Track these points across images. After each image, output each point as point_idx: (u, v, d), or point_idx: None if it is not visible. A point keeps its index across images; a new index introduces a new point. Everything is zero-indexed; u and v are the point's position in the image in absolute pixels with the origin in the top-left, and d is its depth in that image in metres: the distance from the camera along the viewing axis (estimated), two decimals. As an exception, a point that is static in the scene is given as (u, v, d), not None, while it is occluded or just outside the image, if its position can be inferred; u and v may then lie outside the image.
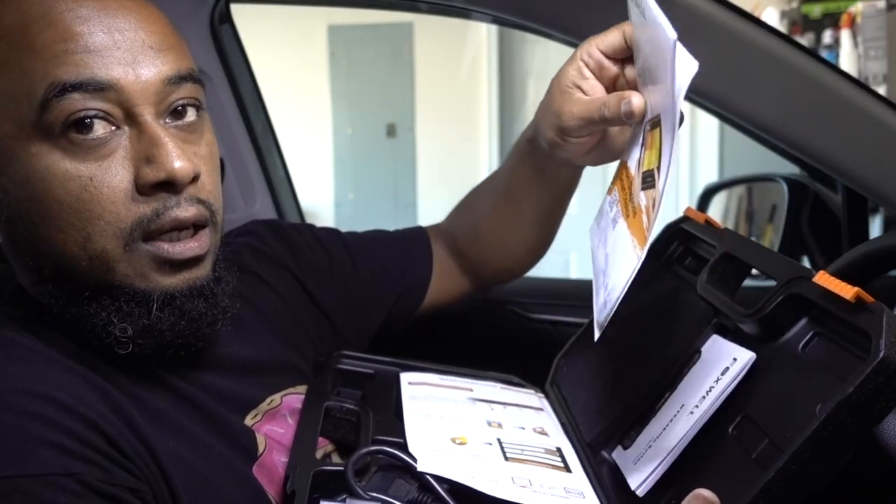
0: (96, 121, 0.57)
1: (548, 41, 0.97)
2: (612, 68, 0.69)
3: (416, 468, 0.58)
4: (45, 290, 0.61)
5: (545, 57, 4.20)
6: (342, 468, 0.57)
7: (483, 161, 4.40)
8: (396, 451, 0.60)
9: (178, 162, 0.58)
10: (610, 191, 0.68)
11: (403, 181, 4.55)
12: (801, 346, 0.57)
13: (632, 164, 0.64)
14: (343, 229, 0.94)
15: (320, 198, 4.47)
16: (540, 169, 0.82)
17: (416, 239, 0.93)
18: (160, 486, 0.58)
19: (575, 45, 0.90)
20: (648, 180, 0.59)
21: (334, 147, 4.54)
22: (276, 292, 0.82)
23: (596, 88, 0.69)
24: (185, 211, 0.60)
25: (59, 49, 0.57)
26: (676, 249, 0.79)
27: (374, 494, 0.55)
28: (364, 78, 4.50)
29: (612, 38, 0.68)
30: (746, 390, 0.58)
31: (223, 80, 1.24)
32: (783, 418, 0.52)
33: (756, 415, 0.55)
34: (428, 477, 0.58)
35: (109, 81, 0.57)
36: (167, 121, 0.61)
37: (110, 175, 0.58)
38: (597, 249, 0.68)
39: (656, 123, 0.59)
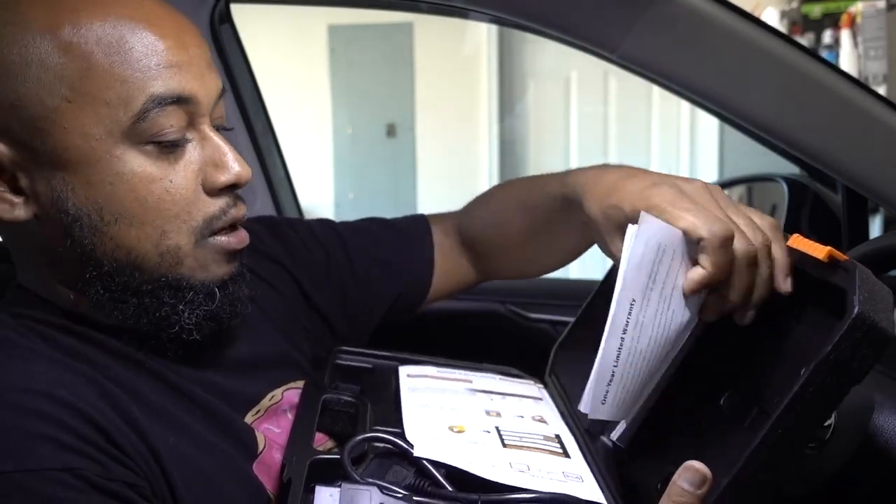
0: (177, 127, 0.62)
1: (548, 41, 0.97)
2: None
3: (412, 453, 0.59)
4: (102, 285, 0.63)
5: (545, 57, 4.20)
6: (339, 457, 0.58)
7: (483, 161, 4.40)
8: (392, 437, 0.60)
9: (240, 166, 0.66)
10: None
11: (403, 181, 4.54)
12: (785, 313, 0.57)
13: None
14: (343, 228, 0.93)
15: (320, 198, 4.46)
16: (575, 228, 0.78)
17: (416, 230, 0.92)
18: (159, 483, 0.58)
19: (573, 45, 0.90)
20: None
21: (334, 147, 4.54)
22: (274, 289, 0.82)
23: None
24: (240, 210, 0.68)
25: (152, 62, 0.61)
26: None
27: (371, 480, 0.55)
28: (364, 78, 4.49)
29: None
30: (737, 363, 0.58)
31: (223, 80, 1.24)
32: (772, 385, 0.52)
33: (746, 385, 0.56)
34: (425, 462, 0.58)
35: (192, 95, 0.63)
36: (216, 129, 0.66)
37: (184, 177, 0.63)
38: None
39: None
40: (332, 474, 0.57)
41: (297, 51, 4.37)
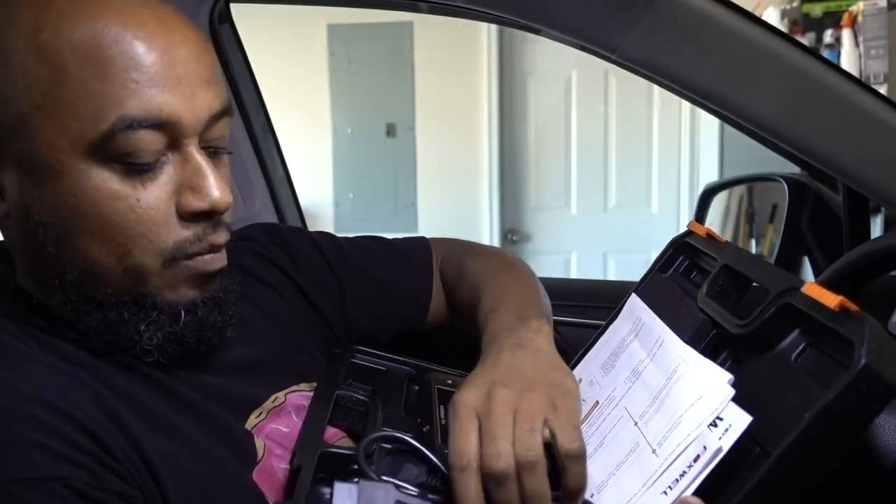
0: (151, 150, 0.59)
1: (548, 41, 0.97)
2: None
3: (425, 452, 0.59)
4: (65, 294, 0.61)
5: (545, 57, 4.20)
6: (350, 452, 0.59)
7: (483, 161, 4.39)
8: (407, 437, 0.61)
9: (219, 193, 0.61)
10: None
11: (403, 181, 4.54)
12: (793, 356, 0.58)
13: None
14: (343, 229, 0.94)
15: (320, 198, 4.45)
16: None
17: (417, 251, 0.92)
18: (151, 492, 0.57)
19: (573, 45, 0.90)
20: None
21: (334, 147, 4.53)
22: (277, 293, 0.82)
23: None
24: (220, 237, 0.64)
25: (129, 79, 0.57)
26: (682, 263, 0.80)
27: (386, 478, 0.56)
28: (364, 78, 4.49)
29: None
30: (741, 402, 0.58)
31: (223, 81, 1.24)
32: (774, 427, 0.52)
33: (752, 426, 0.55)
34: (436, 461, 0.59)
35: (171, 119, 0.59)
36: (203, 150, 0.62)
37: (155, 198, 0.60)
38: None
39: None
40: (341, 468, 0.57)
41: (296, 50, 4.37)
